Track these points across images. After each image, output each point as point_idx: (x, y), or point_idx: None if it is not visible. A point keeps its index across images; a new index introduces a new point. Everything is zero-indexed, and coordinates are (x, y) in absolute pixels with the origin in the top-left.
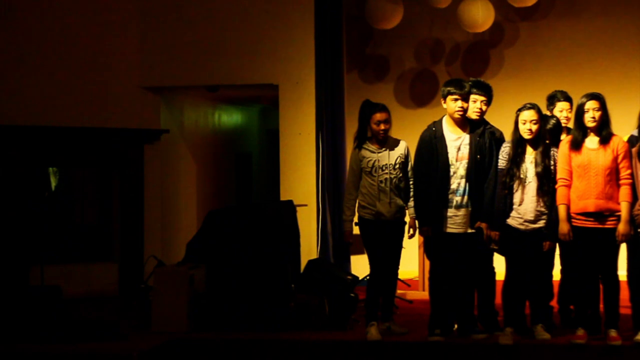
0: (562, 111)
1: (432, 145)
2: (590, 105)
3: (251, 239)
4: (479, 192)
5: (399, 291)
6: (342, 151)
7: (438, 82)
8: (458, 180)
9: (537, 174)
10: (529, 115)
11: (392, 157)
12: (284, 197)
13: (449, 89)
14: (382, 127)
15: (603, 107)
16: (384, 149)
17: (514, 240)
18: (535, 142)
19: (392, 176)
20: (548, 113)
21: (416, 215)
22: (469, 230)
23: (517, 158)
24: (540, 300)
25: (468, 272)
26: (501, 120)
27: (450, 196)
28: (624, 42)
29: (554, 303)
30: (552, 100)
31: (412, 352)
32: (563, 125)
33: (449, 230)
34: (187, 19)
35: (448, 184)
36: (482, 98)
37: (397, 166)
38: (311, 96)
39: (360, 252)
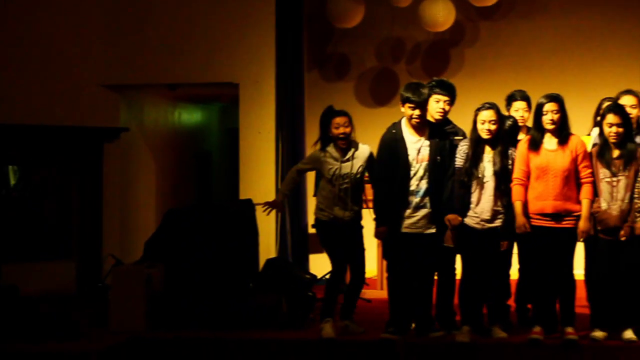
0: (518, 110)
1: (392, 147)
2: (549, 107)
3: (209, 238)
4: (438, 193)
5: None
6: (301, 150)
7: (399, 81)
8: (417, 182)
9: (495, 174)
10: (487, 115)
11: (354, 166)
12: (243, 195)
13: (407, 95)
14: (342, 130)
15: (562, 109)
16: (347, 158)
17: (470, 239)
18: (493, 141)
19: (353, 184)
20: (507, 113)
21: (375, 215)
22: (427, 231)
23: (475, 157)
24: (498, 299)
25: (426, 272)
26: (462, 119)
27: (409, 197)
28: (583, 42)
29: (511, 302)
30: (510, 100)
31: (367, 350)
32: (521, 124)
33: (406, 230)
34: (147, 17)
35: (408, 185)
36: (445, 98)
37: (358, 175)
38: (271, 95)
39: (319, 251)
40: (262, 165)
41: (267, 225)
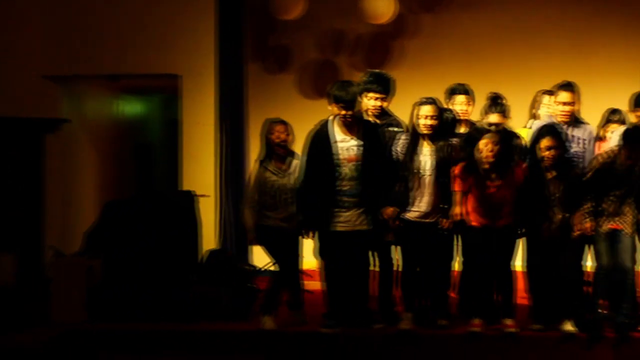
0: (459, 104)
1: (319, 146)
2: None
3: (149, 229)
4: (372, 191)
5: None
6: (242, 142)
7: (340, 73)
8: (348, 182)
9: (434, 168)
10: (427, 110)
11: (292, 177)
12: (184, 187)
13: (335, 94)
14: (282, 137)
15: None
16: (284, 169)
17: (410, 233)
18: (433, 136)
19: (291, 195)
20: (447, 106)
21: (302, 215)
22: (361, 228)
23: (414, 152)
24: (440, 290)
25: (362, 268)
26: (403, 111)
27: (339, 197)
28: (523, 34)
29: (453, 293)
30: (451, 93)
31: (308, 342)
32: (462, 118)
33: (339, 228)
34: (89, 8)
35: (335, 185)
36: (379, 95)
37: (298, 186)
38: (213, 87)
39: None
40: (203, 157)
41: (208, 217)
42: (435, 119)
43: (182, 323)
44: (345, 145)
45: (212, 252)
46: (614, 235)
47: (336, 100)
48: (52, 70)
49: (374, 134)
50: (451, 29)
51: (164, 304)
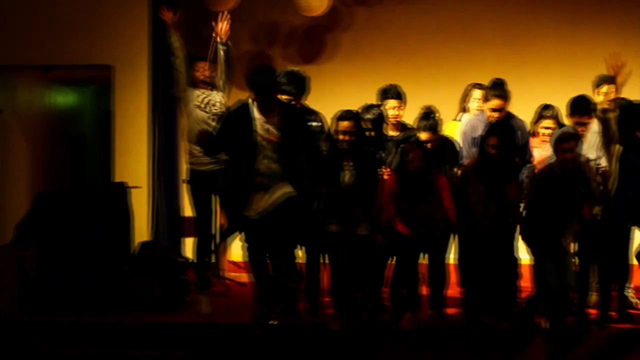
0: (391, 109)
1: (240, 120)
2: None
3: (81, 220)
4: (291, 174)
5: (232, 274)
6: (175, 133)
7: (274, 66)
8: (268, 162)
9: (352, 183)
10: (345, 126)
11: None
12: (116, 178)
13: (250, 79)
14: (206, 73)
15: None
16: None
17: (336, 245)
18: (352, 151)
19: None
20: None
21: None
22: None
23: (335, 166)
24: (373, 286)
25: (285, 252)
26: (336, 105)
27: (258, 179)
28: (458, 28)
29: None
30: (383, 95)
31: (238, 334)
32: (393, 122)
33: (259, 213)
34: None
35: (255, 163)
36: (289, 97)
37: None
38: (145, 77)
39: (194, 235)
40: (136, 148)
41: (140, 209)
42: (353, 135)
43: (114, 315)
44: (265, 125)
45: (145, 244)
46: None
47: (251, 85)
48: None
49: (293, 115)
50: (385, 22)
51: (96, 296)
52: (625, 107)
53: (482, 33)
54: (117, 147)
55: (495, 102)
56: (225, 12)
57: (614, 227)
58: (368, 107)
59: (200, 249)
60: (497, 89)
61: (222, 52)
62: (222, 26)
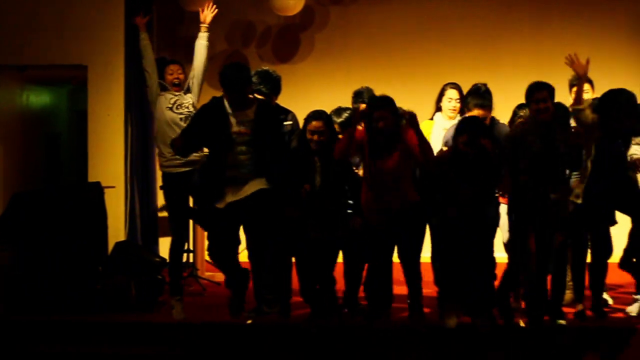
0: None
1: (215, 114)
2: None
3: (57, 221)
4: (265, 167)
5: (207, 273)
6: (150, 133)
7: (249, 65)
8: (243, 155)
9: (325, 185)
10: (315, 126)
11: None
12: (92, 178)
13: (222, 77)
14: (181, 77)
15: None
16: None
17: (309, 247)
18: (323, 152)
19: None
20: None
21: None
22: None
23: (307, 167)
24: (350, 287)
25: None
26: (309, 104)
27: (230, 172)
28: (432, 27)
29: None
30: (356, 97)
31: (212, 333)
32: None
33: (227, 202)
34: None
35: (226, 157)
36: (261, 97)
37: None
38: (120, 77)
39: (169, 235)
40: (111, 147)
41: (116, 209)
42: (323, 135)
43: (90, 315)
44: (239, 118)
45: (120, 244)
46: None
47: (221, 81)
48: None
49: (267, 112)
50: (359, 22)
51: (71, 296)
52: (601, 98)
53: (457, 32)
54: (92, 147)
55: (477, 112)
56: (211, 3)
57: (592, 210)
58: (339, 110)
59: (173, 254)
60: (480, 97)
61: (203, 48)
62: (208, 13)
